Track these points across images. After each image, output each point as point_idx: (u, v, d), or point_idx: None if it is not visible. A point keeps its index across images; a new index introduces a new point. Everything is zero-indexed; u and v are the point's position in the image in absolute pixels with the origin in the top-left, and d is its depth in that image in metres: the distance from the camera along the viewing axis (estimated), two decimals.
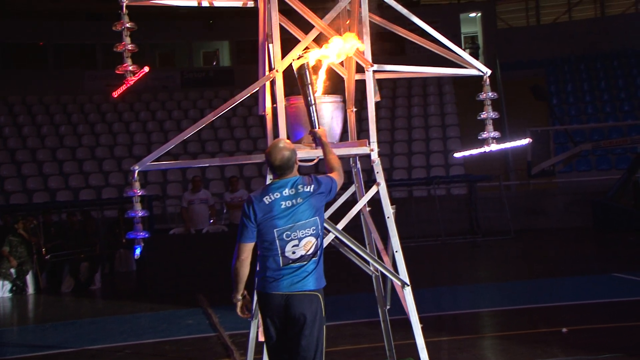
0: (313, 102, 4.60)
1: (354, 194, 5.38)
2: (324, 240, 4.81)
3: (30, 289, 13.18)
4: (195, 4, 5.45)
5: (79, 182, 21.60)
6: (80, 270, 13.38)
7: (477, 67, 5.40)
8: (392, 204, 4.92)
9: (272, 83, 4.93)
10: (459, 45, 7.09)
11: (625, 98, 24.98)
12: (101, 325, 9.47)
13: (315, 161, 5.11)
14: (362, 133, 4.99)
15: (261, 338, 4.37)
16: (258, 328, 4.39)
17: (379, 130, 4.76)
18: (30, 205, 18.34)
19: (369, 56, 4.95)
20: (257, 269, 4.13)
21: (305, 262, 4.04)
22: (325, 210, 5.13)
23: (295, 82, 4.65)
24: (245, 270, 4.04)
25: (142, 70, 5.55)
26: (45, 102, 24.93)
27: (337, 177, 4.24)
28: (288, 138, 4.88)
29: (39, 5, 26.69)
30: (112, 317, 10.11)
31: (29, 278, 13.21)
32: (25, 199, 20.40)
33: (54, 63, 27.02)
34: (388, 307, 5.48)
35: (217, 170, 21.81)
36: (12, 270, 13.04)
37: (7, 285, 13.06)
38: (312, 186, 4.06)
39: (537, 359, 6.15)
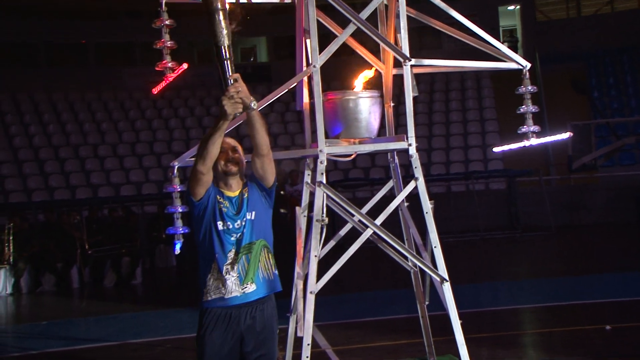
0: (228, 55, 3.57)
1: (392, 189, 5.36)
2: (363, 235, 4.82)
3: (75, 283, 13.47)
4: (233, 0, 5.48)
5: (119, 178, 21.94)
6: (122, 265, 13.60)
7: (516, 61, 5.32)
8: (430, 199, 4.89)
9: (310, 78, 4.93)
10: (498, 39, 6.98)
11: None
12: (142, 320, 9.62)
13: (353, 156, 5.10)
14: (400, 128, 4.96)
15: (300, 333, 4.37)
16: (297, 323, 4.40)
17: (416, 124, 4.76)
18: (73, 201, 18.70)
19: (406, 50, 4.92)
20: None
21: None
22: (364, 205, 5.16)
23: (333, 77, 4.64)
24: None
25: (180, 66, 5.59)
26: (86, 99, 25.35)
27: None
28: (326, 134, 4.88)
29: (80, 4, 27.15)
30: (153, 311, 10.26)
31: (74, 272, 13.50)
32: (69, 195, 20.79)
33: (95, 61, 27.47)
34: (427, 303, 5.45)
35: None
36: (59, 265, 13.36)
37: (52, 278, 13.37)
38: None
39: (580, 357, 6.06)
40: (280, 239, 4.24)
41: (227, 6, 3.64)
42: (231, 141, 3.84)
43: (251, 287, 3.67)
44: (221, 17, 3.49)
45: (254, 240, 3.72)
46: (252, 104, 3.58)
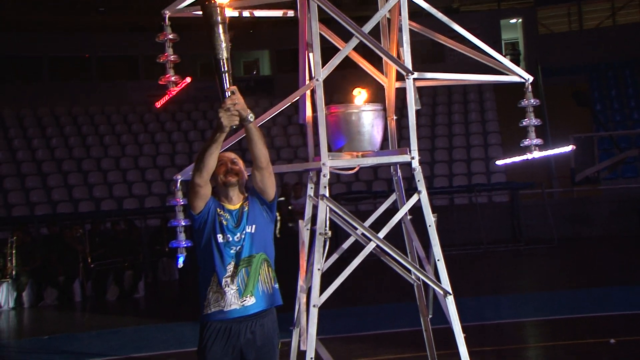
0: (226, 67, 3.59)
1: (394, 202, 5.36)
2: (366, 248, 4.81)
3: (77, 297, 13.45)
4: (236, 14, 5.51)
5: (122, 191, 21.96)
6: (124, 278, 13.58)
7: (519, 74, 5.33)
8: (433, 212, 4.88)
9: (313, 92, 4.95)
10: (500, 52, 7.01)
11: None
12: (145, 334, 9.59)
13: (355, 169, 5.10)
14: (403, 141, 4.96)
15: (303, 347, 4.36)
16: (300, 336, 4.39)
17: (419, 138, 4.76)
18: (76, 215, 18.70)
19: (409, 64, 4.93)
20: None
21: None
22: (367, 218, 5.15)
23: (336, 90, 4.65)
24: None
25: (184, 80, 5.60)
26: (90, 112, 25.43)
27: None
28: (329, 147, 4.88)
29: (83, 19, 27.32)
30: (156, 325, 10.24)
31: (76, 286, 13.49)
32: (71, 208, 20.81)
33: (98, 74, 27.59)
34: (430, 316, 5.43)
35: None
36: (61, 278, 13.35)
37: (54, 292, 13.35)
38: None
39: None
40: (288, 253, 4.23)
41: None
42: (231, 154, 3.86)
43: (250, 300, 3.67)
44: (220, 30, 3.52)
45: (254, 253, 3.71)
46: (249, 117, 3.59)
